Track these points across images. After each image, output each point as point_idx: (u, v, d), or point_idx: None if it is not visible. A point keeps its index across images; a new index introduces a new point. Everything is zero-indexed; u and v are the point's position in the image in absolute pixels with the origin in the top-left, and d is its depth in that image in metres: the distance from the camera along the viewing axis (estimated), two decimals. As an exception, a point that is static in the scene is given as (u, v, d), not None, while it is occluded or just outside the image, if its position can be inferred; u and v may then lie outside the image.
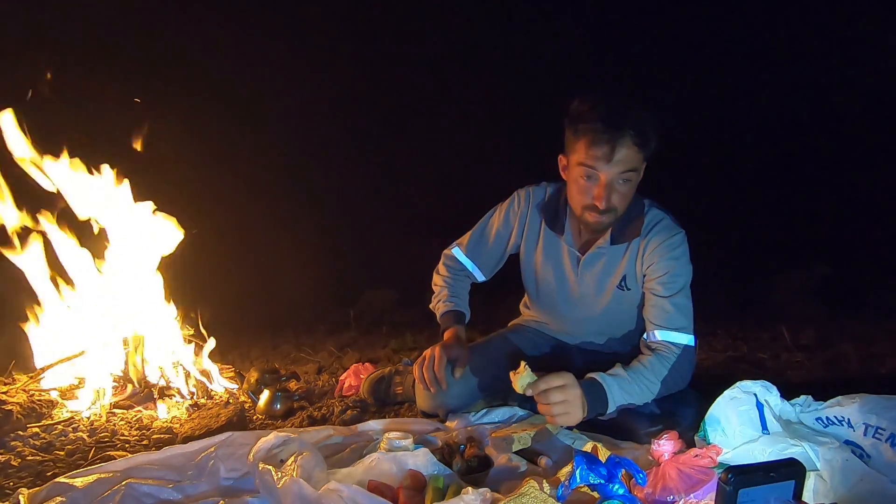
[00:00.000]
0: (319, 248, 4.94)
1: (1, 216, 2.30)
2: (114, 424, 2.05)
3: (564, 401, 1.50)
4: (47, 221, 2.34)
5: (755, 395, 1.51)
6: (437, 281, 2.12)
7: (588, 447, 1.52)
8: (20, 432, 1.91)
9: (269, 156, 5.60)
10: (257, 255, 4.78)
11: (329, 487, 1.22)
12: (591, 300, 1.94)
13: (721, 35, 6.15)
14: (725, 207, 5.73)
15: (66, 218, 2.36)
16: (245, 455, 1.50)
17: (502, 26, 6.34)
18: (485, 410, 1.94)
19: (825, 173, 5.63)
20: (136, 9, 5.03)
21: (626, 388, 1.60)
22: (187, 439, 1.81)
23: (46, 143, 2.30)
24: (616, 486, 1.23)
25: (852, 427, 1.43)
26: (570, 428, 1.79)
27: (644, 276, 1.82)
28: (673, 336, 1.71)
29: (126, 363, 2.35)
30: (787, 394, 1.56)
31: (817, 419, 1.51)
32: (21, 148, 2.27)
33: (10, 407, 2.00)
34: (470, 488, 1.24)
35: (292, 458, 1.38)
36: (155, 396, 2.25)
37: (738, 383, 1.53)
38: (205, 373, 2.47)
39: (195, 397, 2.34)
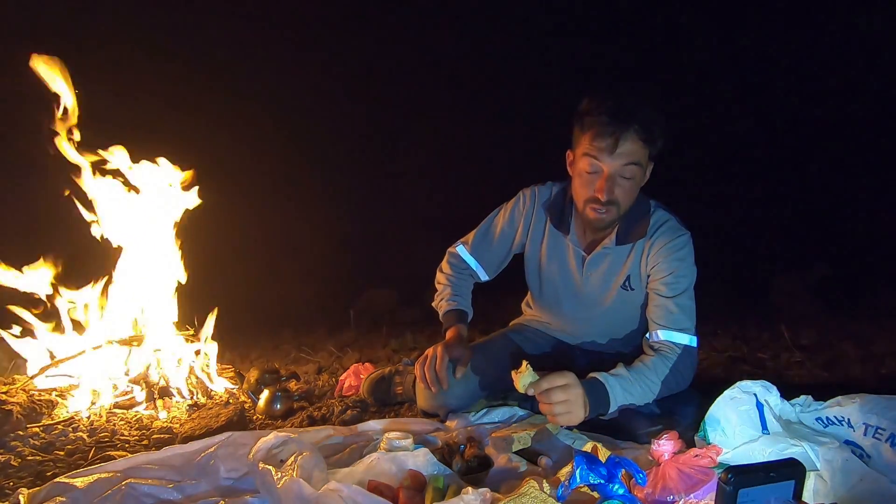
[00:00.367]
0: (320, 248, 4.94)
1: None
2: (114, 424, 2.05)
3: (566, 400, 1.49)
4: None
5: (755, 395, 1.50)
6: (441, 279, 2.12)
7: (588, 447, 1.52)
8: (20, 432, 1.91)
9: (269, 156, 5.60)
10: (257, 255, 4.78)
11: (329, 487, 1.22)
12: (595, 300, 1.94)
13: (725, 36, 6.15)
14: (726, 208, 5.74)
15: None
16: (245, 455, 1.50)
17: (505, 26, 6.34)
18: (485, 410, 1.94)
19: (825, 174, 5.64)
20: (133, 6, 5.03)
21: (627, 389, 1.60)
22: (187, 439, 1.81)
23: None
24: (616, 486, 1.23)
25: (852, 427, 1.43)
26: (570, 428, 1.79)
27: (648, 276, 1.82)
28: (675, 336, 1.71)
29: (127, 363, 2.35)
30: (787, 394, 1.56)
31: (817, 419, 1.51)
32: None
33: (10, 407, 1.99)
34: (470, 488, 1.24)
35: (292, 458, 1.38)
36: (155, 396, 2.25)
37: (738, 383, 1.53)
38: (205, 373, 2.47)
39: (195, 397, 2.34)
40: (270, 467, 1.35)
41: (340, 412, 2.11)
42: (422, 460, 1.44)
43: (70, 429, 1.98)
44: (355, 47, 6.18)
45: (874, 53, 5.60)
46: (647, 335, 1.78)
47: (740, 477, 1.11)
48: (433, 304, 2.11)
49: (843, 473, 1.28)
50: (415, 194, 5.97)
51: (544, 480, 1.34)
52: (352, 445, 1.71)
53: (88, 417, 2.09)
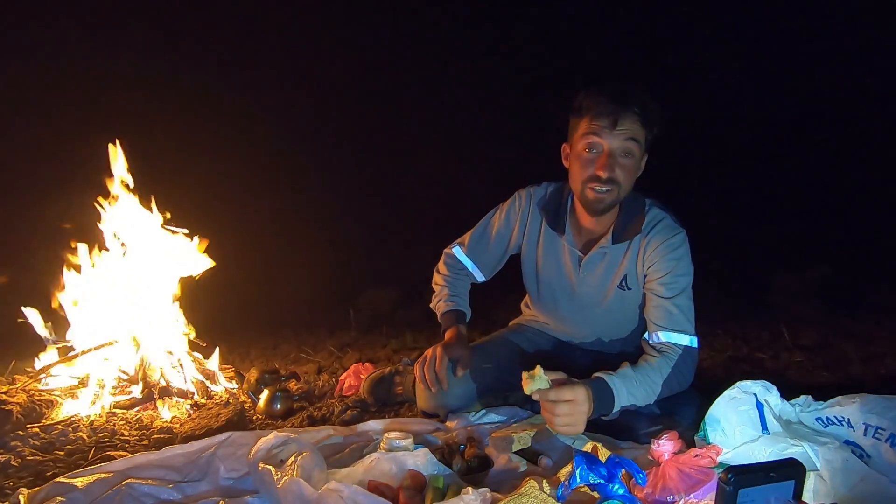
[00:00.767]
0: (319, 248, 4.94)
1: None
2: (114, 424, 2.05)
3: (570, 414, 1.47)
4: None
5: (755, 395, 1.50)
6: (438, 280, 2.12)
7: (588, 447, 1.52)
8: (20, 432, 1.91)
9: (269, 156, 5.60)
10: (257, 255, 4.78)
11: (329, 487, 1.22)
12: (593, 300, 1.93)
13: (723, 35, 6.15)
14: (726, 208, 5.74)
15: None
16: (245, 455, 1.50)
17: (504, 25, 6.34)
18: (485, 410, 1.94)
19: (825, 173, 5.64)
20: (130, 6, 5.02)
21: (631, 390, 1.59)
22: (187, 439, 1.81)
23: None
24: (616, 486, 1.23)
25: (852, 427, 1.43)
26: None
27: (645, 275, 1.81)
28: (675, 337, 1.70)
29: (127, 363, 2.35)
30: (787, 394, 1.56)
31: (817, 419, 1.51)
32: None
33: (10, 407, 1.99)
34: (470, 488, 1.23)
35: (292, 458, 1.38)
36: (155, 396, 2.25)
37: (738, 383, 1.52)
38: (205, 373, 2.47)
39: (195, 397, 2.34)
40: (270, 467, 1.35)
41: (340, 412, 2.11)
42: (422, 460, 1.44)
43: (70, 429, 1.98)
44: (356, 47, 6.18)
45: (875, 53, 5.60)
46: (647, 336, 1.77)
47: (740, 477, 1.11)
48: (431, 306, 2.11)
49: (843, 473, 1.29)
50: (415, 194, 5.97)
51: (544, 480, 1.34)
52: (352, 445, 1.71)
53: (88, 417, 2.09)
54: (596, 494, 1.26)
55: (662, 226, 1.80)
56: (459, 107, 6.07)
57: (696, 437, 1.53)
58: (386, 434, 1.55)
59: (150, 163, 2.56)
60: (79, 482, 1.40)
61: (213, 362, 2.50)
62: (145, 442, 1.91)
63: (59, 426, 1.99)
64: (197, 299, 2.69)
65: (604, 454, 1.44)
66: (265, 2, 5.90)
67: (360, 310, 4.20)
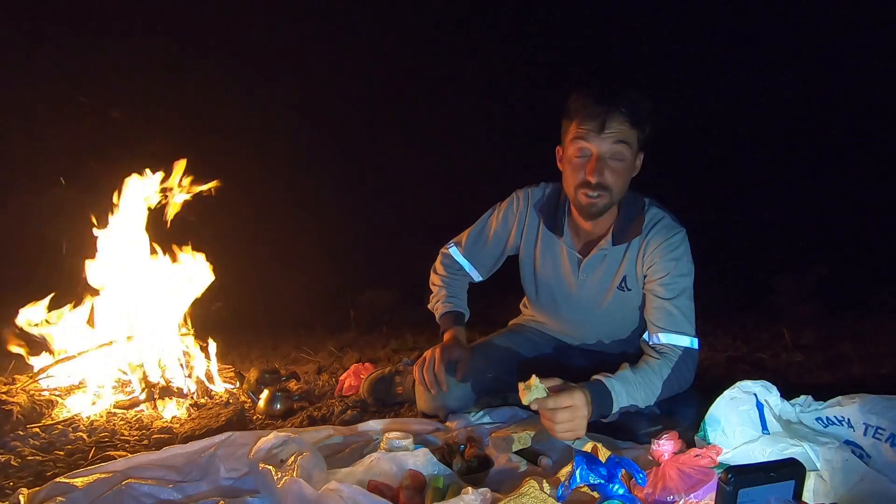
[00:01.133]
0: (319, 248, 4.94)
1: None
2: (114, 424, 2.05)
3: (570, 420, 1.46)
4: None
5: (755, 395, 1.50)
6: (435, 280, 2.11)
7: (588, 447, 1.52)
8: (20, 432, 1.91)
9: (269, 156, 5.60)
10: (257, 255, 4.78)
11: (329, 487, 1.22)
12: (592, 302, 1.92)
13: (723, 35, 6.15)
14: (726, 208, 5.73)
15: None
16: (245, 455, 1.50)
17: (504, 26, 6.34)
18: (485, 410, 1.94)
19: (825, 174, 5.64)
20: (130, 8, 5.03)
21: (631, 392, 1.58)
22: (187, 439, 1.81)
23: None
24: (616, 486, 1.23)
25: (852, 427, 1.43)
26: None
27: (644, 276, 1.80)
28: (675, 338, 1.68)
29: (128, 363, 2.35)
30: (787, 394, 1.56)
31: (817, 419, 1.51)
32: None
33: (10, 407, 1.99)
34: (470, 488, 1.23)
35: (292, 458, 1.38)
36: (155, 396, 2.25)
37: (738, 383, 1.52)
38: (205, 373, 2.47)
39: (195, 397, 2.34)
40: (270, 467, 1.35)
41: (340, 412, 2.11)
42: (422, 460, 1.44)
43: (70, 429, 1.98)
44: (355, 47, 6.17)
45: (875, 52, 5.60)
46: (647, 337, 1.76)
47: (740, 477, 1.11)
48: (429, 306, 2.11)
49: (843, 473, 1.28)
50: (415, 194, 5.97)
51: (544, 480, 1.34)
52: (352, 445, 1.71)
53: (88, 417, 2.09)
54: (596, 494, 1.26)
55: (662, 225, 1.78)
56: (460, 106, 6.07)
57: (696, 437, 1.53)
58: (386, 434, 1.55)
59: (150, 162, 2.56)
60: (79, 482, 1.40)
61: (213, 363, 2.50)
62: (145, 442, 1.91)
63: (59, 426, 1.99)
64: (197, 299, 2.69)
65: (604, 454, 1.44)
66: (264, 2, 5.90)
67: (360, 310, 4.20)
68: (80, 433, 1.95)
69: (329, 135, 6.03)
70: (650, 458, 1.40)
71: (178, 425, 2.06)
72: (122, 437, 1.94)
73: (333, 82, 6.12)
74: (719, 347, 3.00)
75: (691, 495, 1.25)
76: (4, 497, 1.48)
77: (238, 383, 2.49)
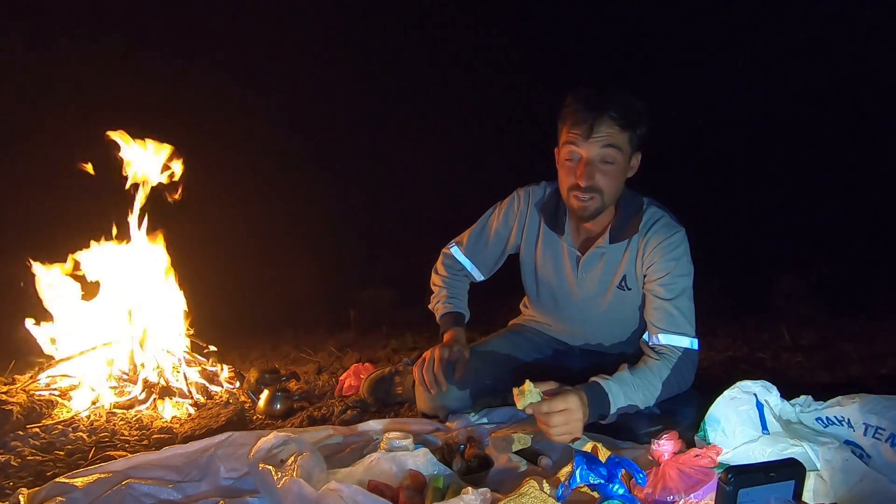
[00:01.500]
0: (319, 248, 4.94)
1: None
2: (114, 424, 2.05)
3: (566, 423, 1.46)
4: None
5: (755, 395, 1.50)
6: (436, 281, 2.11)
7: (588, 447, 1.52)
8: (20, 432, 1.91)
9: (268, 155, 5.60)
10: (257, 255, 4.78)
11: (329, 487, 1.22)
12: (593, 301, 1.92)
13: (723, 33, 6.15)
14: (725, 207, 5.73)
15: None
16: (245, 455, 1.50)
17: (502, 25, 6.34)
18: (485, 410, 1.94)
19: (825, 173, 5.64)
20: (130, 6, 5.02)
21: (628, 394, 1.58)
22: (187, 439, 1.81)
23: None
24: (616, 486, 1.23)
25: (852, 427, 1.43)
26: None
27: (644, 276, 1.79)
28: (675, 339, 1.68)
29: (128, 363, 2.36)
30: (787, 394, 1.56)
31: (817, 419, 1.51)
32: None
33: (10, 407, 1.99)
34: (470, 488, 1.24)
35: (292, 458, 1.38)
36: (155, 396, 2.25)
37: (738, 383, 1.53)
38: (205, 373, 2.48)
39: (195, 397, 2.34)
40: (270, 467, 1.35)
41: (340, 412, 2.11)
42: (422, 460, 1.44)
43: (70, 429, 1.98)
44: (355, 47, 6.17)
45: (876, 53, 5.60)
46: (646, 338, 1.76)
47: (740, 477, 1.11)
48: (429, 307, 2.11)
49: (843, 473, 1.29)
50: (415, 194, 5.97)
51: (544, 480, 1.34)
52: (352, 445, 1.71)
53: (88, 417, 2.09)
54: (596, 494, 1.26)
55: (660, 225, 1.78)
56: (461, 106, 6.07)
57: (696, 437, 1.53)
58: (386, 434, 1.55)
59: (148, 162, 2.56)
60: (79, 482, 1.40)
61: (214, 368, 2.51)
62: (145, 442, 1.91)
63: (59, 426, 1.99)
64: (197, 300, 2.69)
65: (604, 454, 1.44)
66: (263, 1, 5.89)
67: (360, 310, 4.20)
68: (80, 433, 1.95)
69: (329, 134, 6.02)
70: (650, 458, 1.40)
71: (178, 425, 2.06)
72: (122, 437, 1.94)
73: (334, 82, 6.12)
74: (719, 347, 3.00)
75: (691, 495, 1.25)
76: (4, 497, 1.48)
77: (238, 383, 2.49)
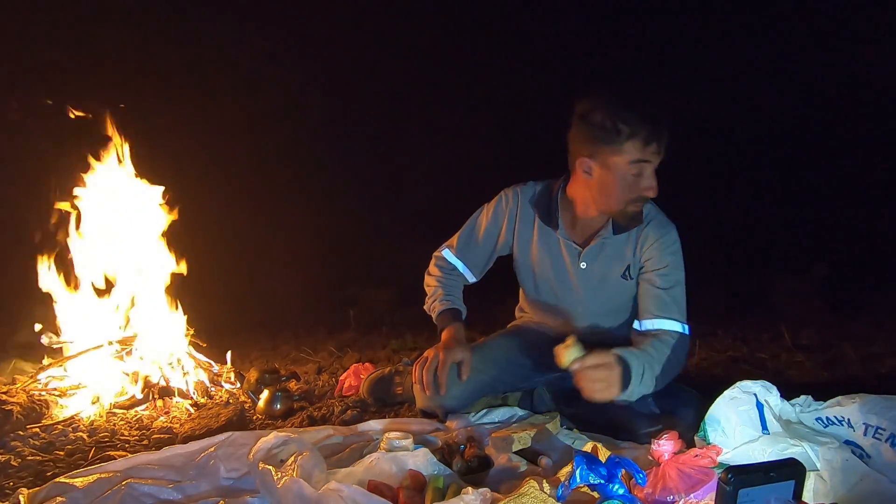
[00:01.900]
0: (319, 248, 4.94)
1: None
2: (114, 424, 2.05)
3: (605, 378, 1.53)
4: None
5: (755, 395, 1.50)
6: (430, 282, 2.11)
7: (588, 447, 1.52)
8: (20, 432, 1.91)
9: (268, 155, 5.60)
10: (257, 255, 4.78)
11: (329, 487, 1.22)
12: (593, 291, 1.94)
13: (724, 36, 6.15)
14: (726, 208, 5.74)
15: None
16: (245, 455, 1.50)
17: (501, 25, 6.34)
18: (485, 410, 1.94)
19: (825, 174, 5.64)
20: (130, 4, 5.02)
21: (641, 362, 1.61)
22: (187, 439, 1.81)
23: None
24: (616, 486, 1.23)
25: (852, 427, 1.43)
26: (569, 428, 1.81)
27: (641, 267, 1.86)
28: (671, 324, 1.76)
29: (128, 363, 2.36)
30: (787, 394, 1.56)
31: (817, 419, 1.51)
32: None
33: (10, 407, 2.00)
34: (470, 488, 1.24)
35: (292, 458, 1.38)
36: (155, 396, 2.26)
37: (738, 383, 1.53)
38: (205, 373, 2.48)
39: (195, 397, 2.34)
40: (270, 467, 1.35)
41: (340, 412, 2.11)
42: (422, 460, 1.44)
43: (70, 429, 1.98)
44: (354, 46, 6.17)
45: (875, 53, 5.60)
46: (640, 325, 1.81)
47: (740, 477, 1.11)
48: (425, 308, 2.10)
49: (843, 473, 1.29)
50: (414, 194, 5.97)
51: (544, 480, 1.34)
52: (352, 445, 1.70)
53: (88, 417, 2.09)
54: (596, 494, 1.26)
55: (658, 222, 1.86)
56: (460, 106, 6.07)
57: (696, 437, 1.53)
58: (386, 434, 1.55)
59: (148, 162, 2.56)
60: (79, 482, 1.40)
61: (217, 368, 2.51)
62: (145, 442, 1.91)
63: (59, 426, 1.99)
64: (197, 300, 2.69)
65: (604, 454, 1.44)
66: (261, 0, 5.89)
67: (360, 310, 4.20)
68: (80, 433, 1.95)
69: (329, 134, 6.02)
70: (650, 458, 1.40)
71: (178, 425, 2.06)
72: (122, 437, 1.94)
73: (334, 82, 6.12)
74: (719, 347, 3.00)
75: (691, 495, 1.25)
76: (4, 497, 1.48)
77: (238, 383, 2.49)
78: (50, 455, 1.77)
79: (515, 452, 1.63)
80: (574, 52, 6.05)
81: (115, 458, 1.59)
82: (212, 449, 1.57)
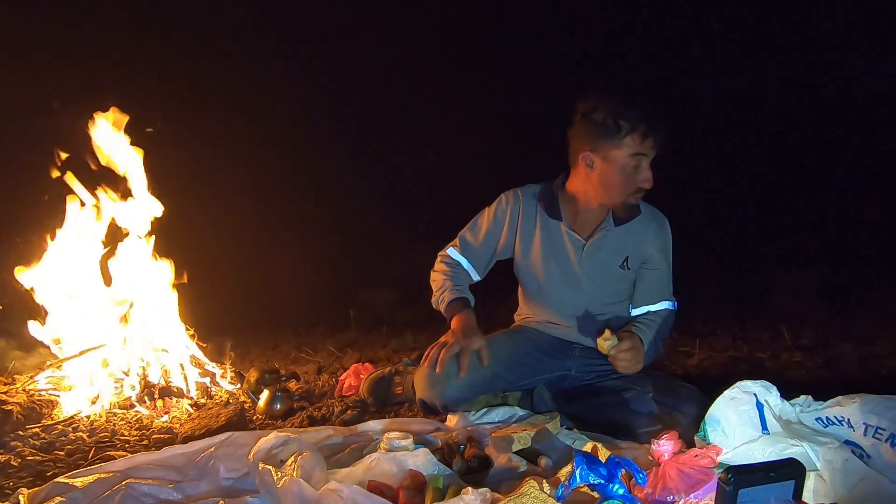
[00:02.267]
0: (319, 247, 4.94)
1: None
2: (114, 424, 2.05)
3: (636, 357, 1.80)
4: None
5: (755, 395, 1.50)
6: (437, 277, 2.13)
7: (588, 447, 1.52)
8: (20, 432, 1.91)
9: (268, 156, 5.60)
10: (257, 255, 4.78)
11: (329, 487, 1.22)
12: (596, 281, 2.02)
13: (725, 33, 6.15)
14: (726, 207, 5.74)
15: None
16: (245, 455, 1.50)
17: (501, 26, 6.35)
18: (485, 410, 1.94)
19: (825, 173, 5.64)
20: (132, 6, 5.02)
21: (648, 333, 1.92)
22: (187, 439, 1.81)
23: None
24: (616, 486, 1.23)
25: (852, 427, 1.43)
26: (569, 427, 1.81)
27: (643, 257, 2.00)
28: (666, 304, 2.04)
29: (128, 363, 2.36)
30: (787, 394, 1.56)
31: (817, 419, 1.51)
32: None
33: (10, 407, 2.00)
34: (470, 488, 1.23)
35: (292, 458, 1.38)
36: (155, 396, 2.26)
37: (738, 383, 1.53)
38: (205, 373, 2.48)
39: (195, 397, 2.34)
40: (270, 467, 1.35)
41: (340, 412, 2.11)
42: (422, 460, 1.44)
43: (70, 429, 1.98)
44: (355, 46, 6.17)
45: (876, 53, 5.60)
46: (642, 308, 2.02)
47: (740, 477, 1.11)
48: (434, 300, 2.11)
49: (843, 473, 1.29)
50: (415, 194, 5.97)
51: (544, 480, 1.34)
52: (352, 445, 1.70)
53: (88, 417, 2.09)
54: (596, 494, 1.26)
55: (656, 214, 2.04)
56: (462, 106, 6.07)
57: (696, 437, 1.53)
58: (386, 434, 1.55)
59: (147, 162, 2.55)
60: (79, 482, 1.40)
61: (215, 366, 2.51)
62: (145, 442, 1.91)
63: (59, 426, 1.99)
64: (197, 299, 2.69)
65: (604, 454, 1.44)
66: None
67: (360, 310, 4.20)
68: (80, 433, 1.95)
69: (329, 134, 6.03)
70: (650, 458, 1.40)
71: (178, 425, 2.06)
72: (122, 437, 1.94)
73: (334, 82, 6.13)
74: (719, 347, 3.00)
75: (691, 495, 1.25)
76: (4, 497, 1.48)
77: (238, 383, 2.49)
78: (50, 455, 1.77)
79: (515, 452, 1.63)
80: (574, 54, 6.05)
81: (115, 458, 1.59)
82: (212, 449, 1.57)
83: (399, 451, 1.47)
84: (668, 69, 6.07)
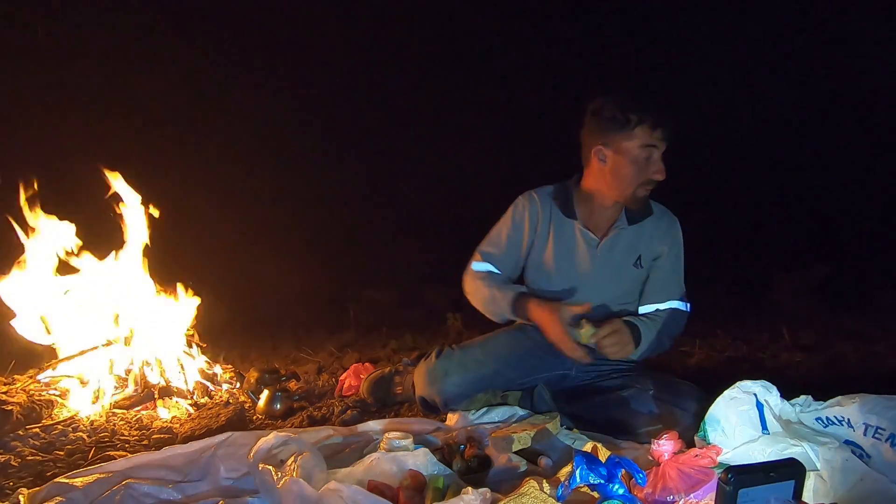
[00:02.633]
0: (319, 248, 4.94)
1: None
2: (114, 424, 2.05)
3: (618, 341, 1.79)
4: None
5: (755, 395, 1.51)
6: (478, 292, 2.06)
7: (588, 447, 1.52)
8: (20, 432, 1.91)
9: (268, 156, 5.60)
10: (257, 255, 4.78)
11: (329, 487, 1.22)
12: (608, 279, 2.02)
13: (725, 34, 6.15)
14: (726, 207, 5.73)
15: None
16: (245, 455, 1.50)
17: (500, 27, 6.34)
18: (484, 410, 1.93)
19: (825, 173, 5.63)
20: (125, 9, 5.02)
21: (649, 325, 1.92)
22: (187, 439, 1.81)
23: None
24: (616, 486, 1.23)
25: (852, 427, 1.43)
26: (569, 427, 1.81)
27: (654, 255, 2.01)
28: (676, 304, 2.01)
29: (128, 363, 2.36)
30: (787, 394, 1.56)
31: (817, 419, 1.51)
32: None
33: (10, 407, 1.99)
34: (470, 488, 1.23)
35: (292, 458, 1.38)
36: (155, 396, 2.25)
37: (738, 383, 1.53)
38: (205, 373, 2.48)
39: (195, 397, 2.34)
40: (270, 467, 1.35)
41: (340, 412, 2.11)
42: (422, 460, 1.44)
43: (70, 429, 1.98)
44: (355, 46, 6.17)
45: (876, 53, 5.60)
46: (651, 306, 2.00)
47: (740, 477, 1.11)
48: (489, 312, 2.05)
49: (843, 473, 1.29)
50: (415, 194, 5.97)
51: (544, 480, 1.34)
52: (352, 445, 1.71)
53: (88, 417, 2.09)
54: (596, 494, 1.26)
55: (666, 213, 2.06)
56: (461, 106, 6.07)
57: (696, 437, 1.53)
58: (386, 434, 1.55)
59: (146, 161, 2.55)
60: (79, 482, 1.40)
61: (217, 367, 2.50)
62: (145, 442, 1.91)
63: (59, 426, 1.99)
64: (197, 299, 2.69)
65: (604, 454, 1.44)
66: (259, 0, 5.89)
67: (360, 310, 4.20)
68: (80, 433, 1.95)
69: (329, 134, 6.03)
70: (650, 458, 1.40)
71: (178, 425, 2.06)
72: (122, 437, 1.94)
73: (333, 82, 6.13)
74: (719, 347, 3.00)
75: (691, 495, 1.25)
76: (4, 497, 1.48)
77: (238, 383, 2.49)
78: (50, 455, 1.77)
79: (515, 452, 1.63)
80: (575, 53, 6.05)
81: (115, 458, 1.59)
82: (212, 449, 1.57)
83: (399, 451, 1.47)
84: (668, 69, 6.07)
